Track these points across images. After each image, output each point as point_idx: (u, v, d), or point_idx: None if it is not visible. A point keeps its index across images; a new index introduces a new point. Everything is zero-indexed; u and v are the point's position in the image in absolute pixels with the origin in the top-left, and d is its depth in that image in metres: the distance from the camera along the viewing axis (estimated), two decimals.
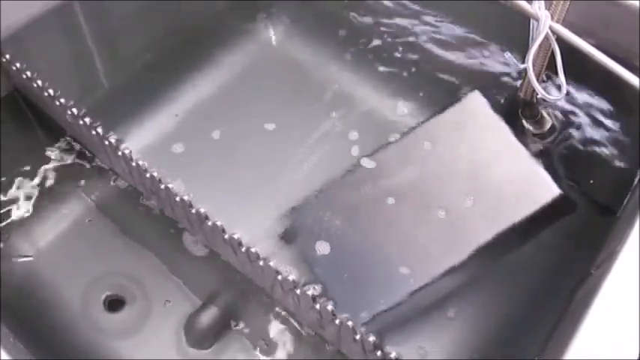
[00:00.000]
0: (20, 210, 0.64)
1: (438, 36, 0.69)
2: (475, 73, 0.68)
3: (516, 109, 0.62)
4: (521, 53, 0.55)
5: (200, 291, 0.59)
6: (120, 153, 0.51)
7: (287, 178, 0.66)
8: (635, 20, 0.53)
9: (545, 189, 0.56)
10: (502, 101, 0.63)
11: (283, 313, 0.57)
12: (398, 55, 0.74)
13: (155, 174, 0.50)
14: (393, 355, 0.41)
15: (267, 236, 0.61)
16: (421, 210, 0.58)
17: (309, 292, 0.43)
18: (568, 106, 0.61)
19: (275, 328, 0.57)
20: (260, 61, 0.77)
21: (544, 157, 0.61)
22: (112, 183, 0.66)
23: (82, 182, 0.66)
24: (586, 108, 0.60)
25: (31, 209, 0.64)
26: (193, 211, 0.48)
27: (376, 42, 0.75)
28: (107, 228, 0.63)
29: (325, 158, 0.68)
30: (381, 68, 0.74)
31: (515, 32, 0.56)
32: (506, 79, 0.65)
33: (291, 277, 0.44)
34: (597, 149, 0.61)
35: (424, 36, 0.70)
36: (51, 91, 0.54)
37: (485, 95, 0.60)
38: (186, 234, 0.61)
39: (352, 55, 0.76)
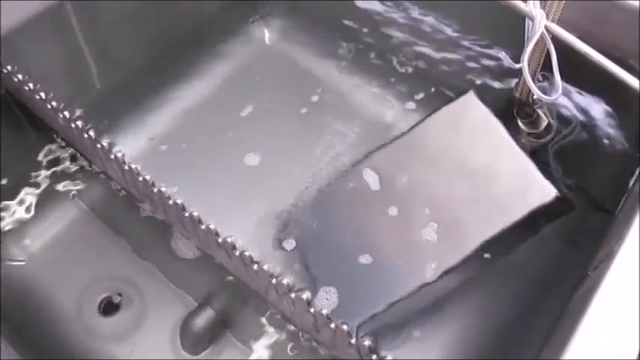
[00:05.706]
0: (12, 213, 0.63)
1: (433, 35, 0.69)
2: (470, 72, 0.68)
3: (511, 109, 0.61)
4: (517, 53, 0.55)
5: (195, 294, 0.59)
6: (112, 156, 0.51)
7: (281, 180, 0.66)
8: (631, 19, 0.53)
9: (541, 190, 0.56)
10: (497, 101, 0.62)
11: (278, 316, 0.56)
12: (392, 55, 0.74)
13: (148, 177, 0.49)
14: (389, 358, 0.41)
15: (261, 239, 0.61)
16: (416, 211, 0.58)
17: (304, 296, 0.43)
18: (564, 106, 0.61)
19: (270, 331, 0.57)
20: (254, 61, 0.77)
21: (540, 157, 0.60)
22: (111, 187, 0.65)
23: (76, 186, 0.66)
24: (582, 107, 0.60)
25: (23, 213, 0.63)
26: (186, 214, 0.48)
27: (371, 42, 0.75)
28: (101, 231, 0.63)
29: (319, 160, 0.68)
30: (376, 68, 0.74)
31: (510, 31, 0.55)
32: (501, 79, 0.65)
33: (285, 281, 0.43)
34: (593, 149, 0.61)
35: (419, 36, 0.70)
36: (42, 94, 0.54)
37: (480, 95, 0.60)
38: (181, 237, 0.61)
39: (347, 56, 0.76)
